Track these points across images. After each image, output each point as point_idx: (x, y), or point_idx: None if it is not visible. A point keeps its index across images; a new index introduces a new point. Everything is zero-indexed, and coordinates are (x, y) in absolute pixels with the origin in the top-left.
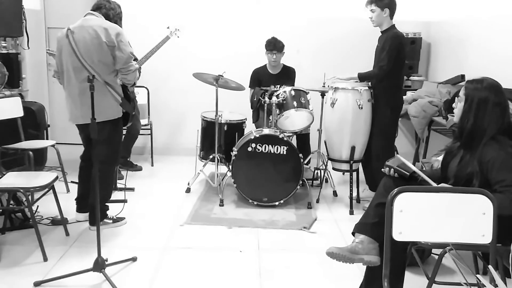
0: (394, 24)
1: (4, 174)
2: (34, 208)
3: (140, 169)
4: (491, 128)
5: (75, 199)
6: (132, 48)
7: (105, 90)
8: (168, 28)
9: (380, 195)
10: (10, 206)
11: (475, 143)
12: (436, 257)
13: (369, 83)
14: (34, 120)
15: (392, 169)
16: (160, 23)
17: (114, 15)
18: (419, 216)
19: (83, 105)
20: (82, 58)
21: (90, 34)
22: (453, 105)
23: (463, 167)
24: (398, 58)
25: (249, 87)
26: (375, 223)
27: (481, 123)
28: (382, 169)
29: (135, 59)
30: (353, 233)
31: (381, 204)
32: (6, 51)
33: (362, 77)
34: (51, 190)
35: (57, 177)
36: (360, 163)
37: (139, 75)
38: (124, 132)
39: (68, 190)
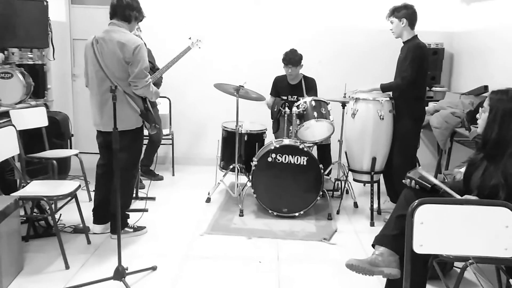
0: (416, 35)
1: (29, 183)
2: (57, 216)
3: (161, 178)
4: None
5: (92, 210)
6: (147, 62)
7: (124, 100)
8: (189, 38)
9: (400, 206)
10: (34, 214)
11: (499, 155)
12: (458, 270)
13: (391, 93)
14: (58, 130)
15: (413, 181)
16: (180, 33)
17: (130, 13)
18: (441, 229)
19: (104, 114)
20: (105, 68)
21: (110, 49)
22: (477, 115)
23: (487, 179)
24: (420, 69)
25: (270, 93)
26: (396, 235)
27: (506, 134)
28: (403, 181)
29: (155, 69)
30: (373, 245)
31: (402, 216)
32: (33, 62)
33: (384, 88)
34: (73, 199)
35: (79, 186)
36: (382, 174)
37: (160, 86)
38: (146, 141)
39: (90, 199)
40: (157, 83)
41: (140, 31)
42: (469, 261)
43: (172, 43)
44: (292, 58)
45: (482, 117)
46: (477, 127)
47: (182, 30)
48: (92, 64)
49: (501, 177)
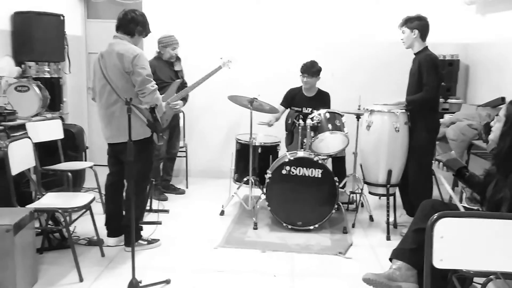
0: (426, 46)
1: (44, 195)
2: (71, 228)
3: (183, 192)
4: None
5: (105, 224)
6: (149, 70)
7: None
8: (221, 58)
9: (418, 220)
10: (49, 226)
11: (510, 167)
12: (478, 286)
13: (406, 106)
14: (73, 142)
15: (441, 163)
16: (206, 50)
17: (134, 27)
18: (461, 243)
19: (112, 126)
20: (110, 81)
21: (112, 62)
22: (491, 123)
23: (497, 192)
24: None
25: (280, 104)
26: (413, 249)
27: None
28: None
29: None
30: (390, 259)
31: (420, 230)
32: (49, 76)
33: (410, 102)
34: (88, 211)
35: (94, 198)
36: (398, 187)
37: (186, 101)
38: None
39: (104, 211)
40: (185, 98)
41: (178, 48)
42: (493, 276)
43: (202, 61)
44: (310, 68)
45: (496, 126)
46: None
47: (204, 46)
48: (98, 79)
49: (508, 191)
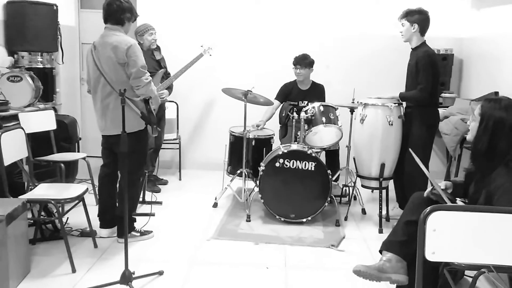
0: (425, 41)
1: (36, 186)
2: (64, 219)
3: (165, 183)
4: (506, 153)
5: (98, 216)
6: (143, 61)
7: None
8: (201, 46)
9: (409, 212)
10: (41, 217)
11: (489, 167)
12: (469, 279)
13: (399, 99)
14: (66, 133)
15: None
16: (189, 40)
17: (122, 16)
18: (454, 236)
19: (106, 118)
20: (104, 73)
21: (105, 53)
22: (467, 122)
23: (476, 192)
24: (432, 76)
25: (275, 98)
26: (404, 241)
27: (496, 146)
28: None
29: (168, 75)
30: (380, 251)
31: (410, 222)
32: (42, 66)
33: (403, 98)
34: (81, 202)
35: (87, 189)
36: (392, 181)
37: (172, 90)
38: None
39: (97, 203)
40: (170, 87)
41: (155, 33)
42: (484, 269)
43: (182, 50)
44: (302, 60)
45: (472, 126)
46: None
47: (191, 37)
48: (92, 71)
49: (485, 191)
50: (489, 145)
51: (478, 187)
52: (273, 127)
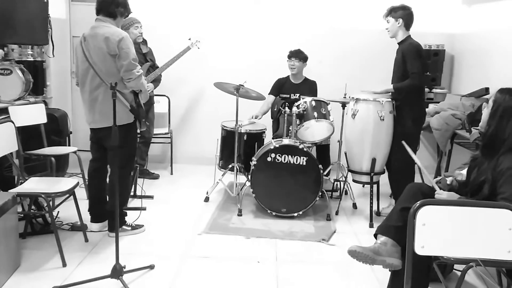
0: (410, 35)
1: (27, 179)
2: (54, 213)
3: (157, 177)
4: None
5: (88, 210)
6: (134, 53)
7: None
8: (189, 39)
9: (405, 199)
10: (32, 211)
11: (494, 152)
12: (458, 273)
13: (391, 94)
14: (57, 127)
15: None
16: (181, 32)
17: (115, 9)
18: (443, 230)
19: (95, 111)
20: (94, 65)
21: (96, 45)
22: (482, 110)
23: (480, 175)
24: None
25: (269, 93)
26: (399, 227)
27: (502, 131)
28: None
29: (155, 67)
30: (375, 235)
31: (406, 209)
32: (32, 59)
33: (397, 89)
34: (71, 196)
35: (78, 183)
36: (387, 176)
37: (159, 83)
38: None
39: (88, 197)
40: (157, 80)
41: (141, 27)
42: (472, 263)
43: (173, 43)
44: (298, 53)
45: (485, 112)
46: (478, 129)
47: (183, 30)
48: (81, 62)
49: (490, 173)
50: (495, 130)
51: (482, 170)
52: (265, 122)
